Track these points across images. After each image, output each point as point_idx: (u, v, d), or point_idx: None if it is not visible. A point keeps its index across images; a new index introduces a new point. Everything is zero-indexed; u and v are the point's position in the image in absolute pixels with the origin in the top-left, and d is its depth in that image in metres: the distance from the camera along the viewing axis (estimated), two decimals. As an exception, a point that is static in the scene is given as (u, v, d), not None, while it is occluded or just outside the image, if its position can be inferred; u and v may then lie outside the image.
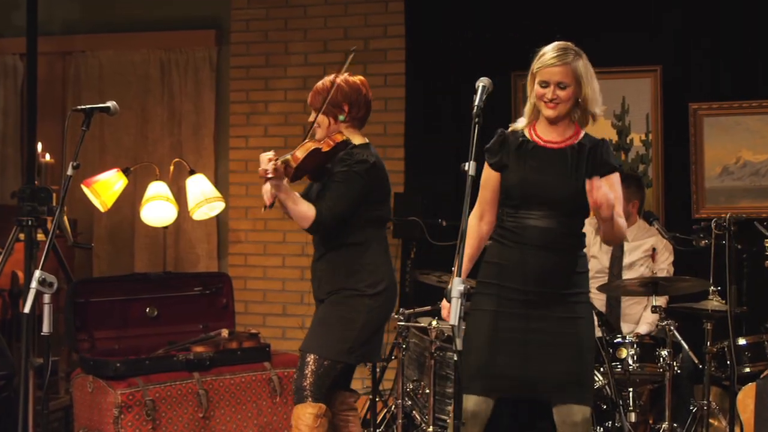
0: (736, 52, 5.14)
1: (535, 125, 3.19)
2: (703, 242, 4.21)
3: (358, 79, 3.50)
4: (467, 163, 2.81)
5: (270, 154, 3.22)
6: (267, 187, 3.30)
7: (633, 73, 5.34)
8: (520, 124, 3.22)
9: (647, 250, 4.71)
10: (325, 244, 3.40)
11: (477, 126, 2.88)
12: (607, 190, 2.94)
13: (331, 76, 3.45)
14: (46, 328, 3.05)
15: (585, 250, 3.20)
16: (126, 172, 5.24)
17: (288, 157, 3.28)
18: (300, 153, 3.29)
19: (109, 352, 4.55)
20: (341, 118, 3.41)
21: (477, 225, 3.24)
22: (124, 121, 6.11)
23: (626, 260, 4.71)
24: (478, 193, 3.25)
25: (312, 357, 3.33)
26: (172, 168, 5.55)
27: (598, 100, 3.15)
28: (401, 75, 5.73)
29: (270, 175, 3.18)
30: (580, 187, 3.03)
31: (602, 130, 5.39)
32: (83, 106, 3.29)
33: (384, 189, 3.45)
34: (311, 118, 3.44)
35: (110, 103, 3.34)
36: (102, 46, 6.28)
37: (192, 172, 5.42)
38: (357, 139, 3.44)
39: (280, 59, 5.96)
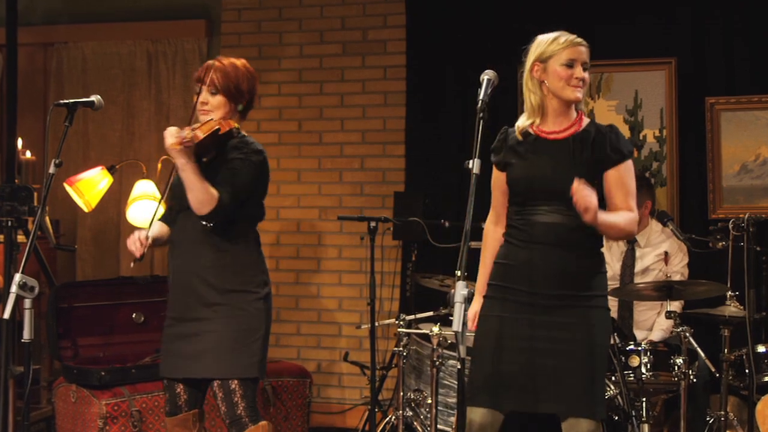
0: (756, 44, 5.14)
1: (536, 121, 3.18)
2: (720, 244, 4.20)
3: (252, 68, 3.47)
4: (471, 161, 2.81)
5: (174, 128, 3.18)
6: (134, 237, 3.24)
7: (646, 66, 5.34)
8: (525, 121, 3.20)
9: (660, 255, 4.71)
10: (206, 240, 3.26)
11: (482, 121, 2.89)
12: (588, 192, 2.91)
13: (233, 60, 3.37)
14: (26, 335, 3.04)
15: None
16: (111, 169, 5.24)
17: (189, 134, 3.19)
18: (202, 132, 3.20)
19: (94, 360, 4.56)
20: (240, 108, 3.37)
21: (493, 230, 3.28)
22: (109, 116, 6.11)
23: (638, 267, 4.71)
24: (492, 198, 3.29)
25: (236, 382, 3.20)
26: (159, 165, 5.55)
27: None
28: (402, 67, 5.73)
29: (188, 144, 3.12)
30: (586, 176, 3.02)
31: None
32: (66, 101, 3.30)
33: (267, 186, 3.40)
34: (205, 98, 3.31)
35: (94, 97, 3.34)
36: (86, 37, 6.28)
37: (181, 170, 5.41)
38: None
39: (273, 51, 5.96)
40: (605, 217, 3.01)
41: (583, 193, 2.90)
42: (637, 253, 4.73)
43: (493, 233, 3.27)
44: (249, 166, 3.26)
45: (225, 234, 3.26)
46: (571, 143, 3.14)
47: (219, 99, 3.32)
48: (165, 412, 3.36)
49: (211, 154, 3.30)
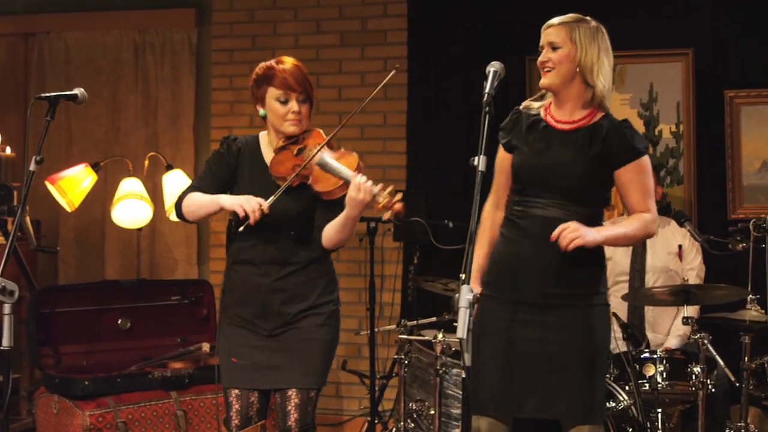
0: (778, 34, 5.15)
1: (549, 105, 3.23)
2: (740, 245, 4.20)
3: None
4: (477, 158, 2.81)
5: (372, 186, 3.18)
6: (255, 201, 3.21)
7: (662, 57, 5.34)
8: (536, 103, 3.27)
9: (673, 252, 4.72)
10: (304, 256, 3.35)
11: (487, 116, 2.89)
12: (569, 230, 2.98)
13: (294, 61, 3.38)
14: (5, 342, 3.05)
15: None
16: (95, 167, 5.24)
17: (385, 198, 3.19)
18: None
19: (77, 369, 4.56)
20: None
21: (492, 215, 3.27)
22: (93, 110, 6.11)
23: (650, 260, 4.72)
24: (494, 179, 3.30)
25: (314, 392, 3.36)
26: (147, 163, 5.55)
27: (603, 75, 3.12)
28: (403, 59, 5.72)
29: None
30: (590, 173, 3.09)
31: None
32: (48, 94, 3.30)
33: None
34: (297, 107, 3.31)
35: (78, 91, 3.34)
36: (69, 27, 6.28)
37: (169, 168, 5.42)
38: None
39: (267, 41, 5.96)
40: (608, 233, 3.12)
41: (565, 238, 2.98)
42: (648, 243, 4.73)
43: (493, 216, 3.27)
44: None
45: (313, 249, 3.34)
46: (580, 135, 3.15)
47: (307, 107, 3.36)
48: (234, 426, 3.38)
49: None
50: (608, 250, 4.74)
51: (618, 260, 4.77)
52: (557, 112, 3.20)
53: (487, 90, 2.93)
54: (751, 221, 4.12)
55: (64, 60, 6.28)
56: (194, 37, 6.12)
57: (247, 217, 3.18)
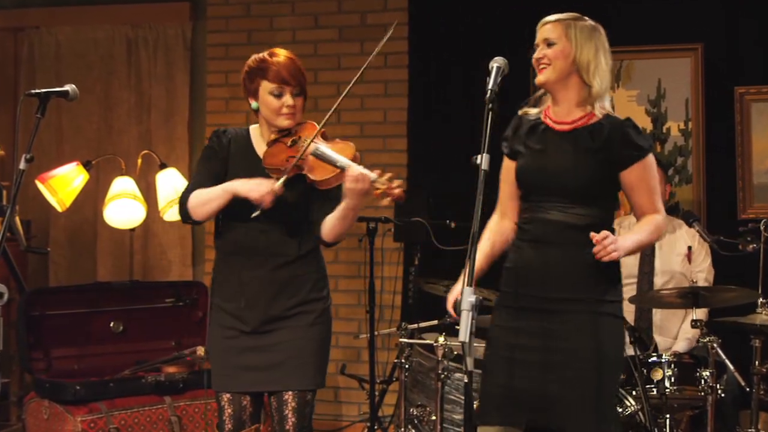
0: (789, 28, 5.16)
1: (548, 107, 3.23)
2: (750, 246, 4.20)
3: None
4: (479, 156, 2.81)
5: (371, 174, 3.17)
6: (266, 185, 3.20)
7: (670, 52, 5.34)
8: (535, 108, 3.27)
9: (682, 253, 4.72)
10: (295, 250, 3.35)
11: (490, 113, 2.89)
12: (606, 242, 2.93)
13: (285, 51, 3.40)
14: (-5, 346, 3.05)
15: None
16: (87, 165, 5.24)
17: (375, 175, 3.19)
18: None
19: (68, 373, 4.56)
20: None
21: (498, 223, 3.27)
22: (85, 107, 6.11)
23: (658, 260, 4.71)
24: (499, 190, 3.30)
25: (311, 394, 3.35)
26: (140, 161, 5.55)
27: (599, 74, 3.12)
28: (403, 54, 5.73)
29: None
30: (596, 174, 3.08)
31: (635, 117, 5.37)
32: (38, 90, 3.29)
33: None
34: (292, 101, 3.33)
35: (69, 87, 3.34)
36: (59, 21, 6.28)
37: (163, 166, 5.42)
38: None
39: (264, 36, 5.95)
40: (629, 244, 3.04)
41: (606, 248, 2.94)
42: (656, 244, 4.72)
43: (497, 224, 3.27)
44: None
45: (304, 243, 3.35)
46: (579, 136, 3.14)
47: (301, 100, 3.38)
48: (225, 430, 3.37)
49: None
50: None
51: (625, 262, 4.75)
52: (555, 112, 3.20)
53: (490, 86, 2.93)
54: (762, 221, 4.12)
55: (54, 55, 6.28)
56: (189, 32, 6.12)
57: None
